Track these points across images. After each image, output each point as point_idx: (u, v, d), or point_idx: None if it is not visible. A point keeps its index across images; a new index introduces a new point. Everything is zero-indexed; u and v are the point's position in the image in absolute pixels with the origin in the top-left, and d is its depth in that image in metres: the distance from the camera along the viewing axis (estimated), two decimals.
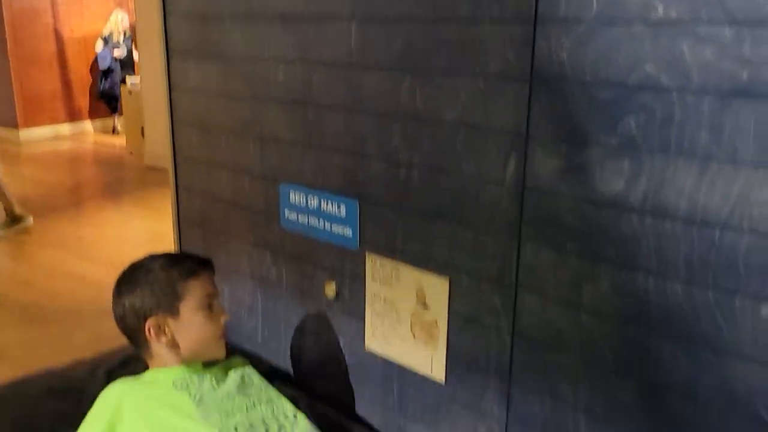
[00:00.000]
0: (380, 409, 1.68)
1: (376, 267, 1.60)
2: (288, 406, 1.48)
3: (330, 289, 1.72)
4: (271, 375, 1.86)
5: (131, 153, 8.03)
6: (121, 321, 1.41)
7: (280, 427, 1.42)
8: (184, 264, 1.43)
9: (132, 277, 1.42)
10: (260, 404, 1.45)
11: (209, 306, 1.42)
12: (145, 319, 1.37)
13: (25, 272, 4.74)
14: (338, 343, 1.73)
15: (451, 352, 1.49)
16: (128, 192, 7.39)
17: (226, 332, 1.50)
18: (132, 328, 1.40)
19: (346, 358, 1.72)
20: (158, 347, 1.40)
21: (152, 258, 1.45)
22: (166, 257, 1.46)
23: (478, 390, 1.46)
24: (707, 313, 1.09)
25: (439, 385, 1.52)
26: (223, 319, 1.46)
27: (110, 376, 1.61)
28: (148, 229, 5.90)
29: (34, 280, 4.45)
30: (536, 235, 1.29)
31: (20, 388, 1.64)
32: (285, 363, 1.92)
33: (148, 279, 1.40)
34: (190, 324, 1.39)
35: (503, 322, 1.38)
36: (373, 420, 1.70)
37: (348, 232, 1.63)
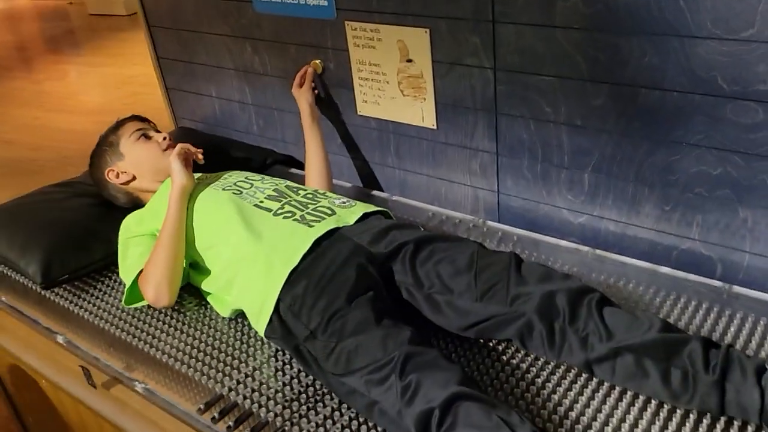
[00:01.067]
0: (380, 167, 1.83)
1: (356, 33, 1.65)
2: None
3: (316, 66, 1.78)
4: (275, 162, 1.99)
5: (71, 3, 7.59)
6: (103, 190, 1.68)
7: (262, 178, 1.59)
8: (112, 124, 1.69)
9: (90, 160, 1.68)
10: (245, 173, 1.63)
11: (144, 136, 1.64)
12: (107, 174, 1.63)
13: (2, 133, 4.71)
14: (332, 116, 1.83)
15: (439, 99, 1.59)
16: (80, 42, 7.10)
17: (173, 144, 1.61)
18: (108, 189, 1.66)
19: (342, 127, 1.83)
20: (129, 187, 1.64)
21: None
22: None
23: (468, 129, 1.59)
24: (671, 0, 1.18)
25: (432, 132, 1.65)
26: (160, 137, 1.64)
27: None
28: (113, 74, 5.76)
29: (15, 139, 4.44)
30: None
31: (37, 197, 1.77)
32: (285, 149, 2.03)
33: (95, 152, 1.67)
34: (134, 155, 1.62)
35: (484, 59, 1.47)
36: (375, 178, 1.85)
37: (323, 1, 1.66)
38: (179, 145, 1.54)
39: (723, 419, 1.06)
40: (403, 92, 1.65)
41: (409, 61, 1.59)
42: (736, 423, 1.05)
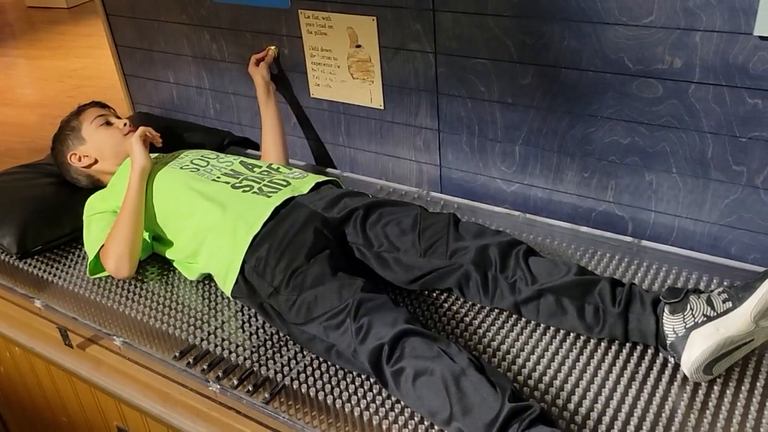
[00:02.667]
0: (332, 146, 1.97)
1: (309, 21, 1.80)
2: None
3: (273, 52, 1.91)
4: (231, 143, 2.11)
5: None
6: (65, 173, 1.77)
7: (217, 156, 1.72)
8: (73, 110, 1.79)
9: (53, 144, 1.78)
10: (201, 152, 1.76)
11: (106, 123, 1.73)
12: (69, 158, 1.73)
13: None
14: (287, 98, 1.97)
15: (386, 81, 1.75)
16: (18, 35, 6.96)
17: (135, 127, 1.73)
18: (70, 171, 1.76)
19: (296, 109, 1.97)
20: (91, 170, 1.73)
21: None
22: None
23: (412, 108, 1.75)
24: None
25: (380, 111, 1.81)
26: (120, 123, 1.75)
27: None
28: (53, 67, 5.69)
29: None
30: None
31: (6, 176, 1.86)
32: (241, 132, 2.16)
33: (57, 136, 1.76)
34: (96, 139, 1.71)
35: (426, 44, 1.64)
36: (327, 156, 2.00)
37: None
38: (141, 128, 1.66)
39: (628, 344, 1.25)
40: (353, 75, 1.80)
41: (358, 46, 1.75)
42: (638, 347, 1.25)
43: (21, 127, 4.49)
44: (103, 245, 1.53)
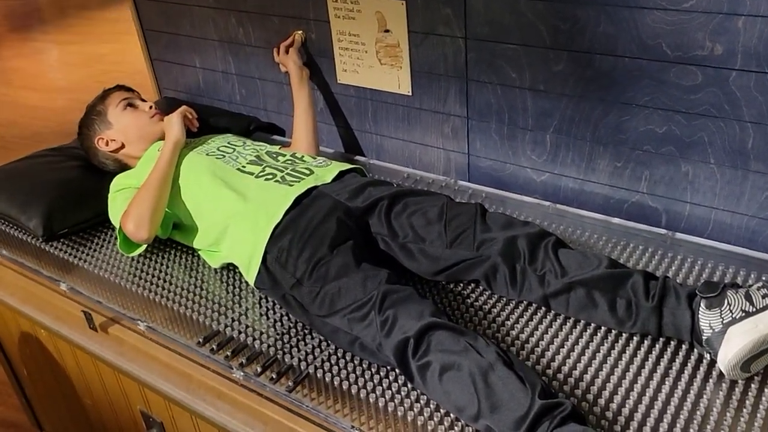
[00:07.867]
0: (358, 132, 1.95)
1: (337, 5, 1.77)
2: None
3: (300, 37, 1.89)
4: (257, 128, 2.10)
5: None
6: (92, 158, 1.78)
7: (244, 143, 1.71)
8: (99, 94, 1.80)
9: (79, 129, 1.78)
10: (228, 137, 1.76)
11: (130, 105, 1.74)
12: (96, 142, 1.74)
13: None
14: (314, 84, 1.95)
15: (414, 67, 1.72)
16: (47, 19, 7.05)
17: (162, 110, 1.76)
18: (97, 155, 1.76)
19: (323, 95, 1.95)
20: (118, 154, 1.74)
21: None
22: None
23: (441, 95, 1.72)
24: None
25: (407, 98, 1.78)
26: (146, 105, 1.75)
27: None
28: (81, 52, 5.75)
29: None
30: None
31: (33, 160, 1.87)
32: (267, 117, 2.14)
33: (84, 121, 1.77)
34: (122, 122, 1.72)
35: (456, 29, 1.60)
36: (354, 143, 1.98)
37: None
38: (183, 107, 1.69)
39: (661, 340, 1.22)
40: (381, 61, 1.77)
41: (387, 31, 1.71)
42: (672, 343, 1.21)
43: (49, 111, 4.54)
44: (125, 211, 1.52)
